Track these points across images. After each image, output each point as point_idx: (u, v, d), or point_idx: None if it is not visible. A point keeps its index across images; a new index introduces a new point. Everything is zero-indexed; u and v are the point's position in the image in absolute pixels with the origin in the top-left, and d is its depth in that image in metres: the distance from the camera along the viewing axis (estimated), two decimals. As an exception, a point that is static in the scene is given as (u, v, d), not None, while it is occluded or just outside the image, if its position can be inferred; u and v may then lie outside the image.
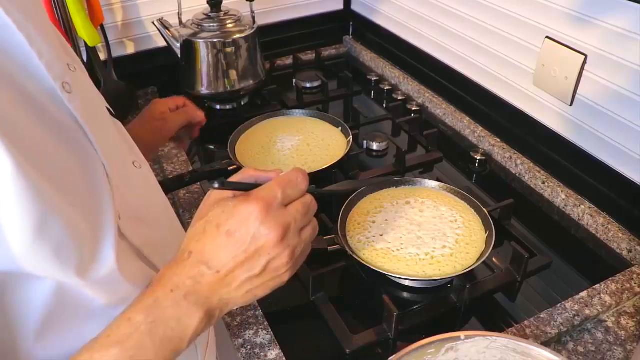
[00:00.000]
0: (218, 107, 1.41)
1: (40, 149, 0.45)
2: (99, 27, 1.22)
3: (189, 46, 1.31)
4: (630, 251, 0.92)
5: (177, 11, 1.33)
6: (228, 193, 0.55)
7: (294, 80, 1.50)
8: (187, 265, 0.53)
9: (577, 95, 0.98)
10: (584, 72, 0.96)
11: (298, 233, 0.56)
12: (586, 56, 0.94)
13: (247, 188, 0.55)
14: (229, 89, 1.34)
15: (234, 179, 0.58)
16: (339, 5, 1.70)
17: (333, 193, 0.86)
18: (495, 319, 0.84)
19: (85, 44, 1.19)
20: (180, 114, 1.04)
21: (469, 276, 0.86)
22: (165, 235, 0.65)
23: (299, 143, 1.15)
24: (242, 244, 0.52)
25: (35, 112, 0.46)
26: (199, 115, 1.08)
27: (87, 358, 0.48)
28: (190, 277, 0.52)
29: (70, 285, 0.49)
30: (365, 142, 1.24)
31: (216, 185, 0.53)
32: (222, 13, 1.32)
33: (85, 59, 1.22)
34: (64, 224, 0.45)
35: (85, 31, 1.16)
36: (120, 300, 0.53)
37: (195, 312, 0.52)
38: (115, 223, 0.52)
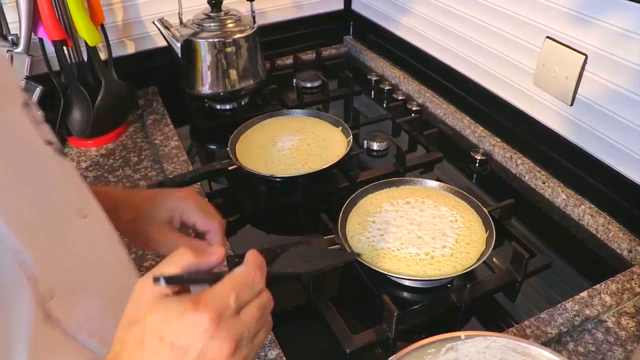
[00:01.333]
0: (218, 106, 1.41)
1: None
2: (99, 27, 1.22)
3: (189, 46, 1.31)
4: (630, 251, 0.92)
5: (178, 11, 1.33)
6: (167, 290, 0.47)
7: (294, 80, 1.50)
8: None
9: (577, 95, 0.98)
10: (585, 72, 0.96)
11: (251, 340, 0.50)
12: (586, 56, 0.94)
13: (193, 281, 0.49)
14: (229, 88, 1.34)
15: (169, 267, 0.49)
16: (340, 5, 1.70)
17: (290, 275, 0.70)
18: (495, 319, 0.84)
19: (86, 43, 1.19)
20: (188, 242, 0.74)
21: (469, 276, 0.86)
22: (115, 300, 0.53)
23: (299, 143, 1.15)
24: (188, 358, 0.45)
25: None
26: (211, 261, 0.55)
27: None
28: None
29: None
30: (365, 142, 1.24)
31: (161, 283, 0.46)
32: (222, 13, 1.32)
33: (85, 58, 1.23)
34: None
35: (85, 31, 1.16)
36: None
37: None
38: (34, 322, 0.45)
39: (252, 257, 0.52)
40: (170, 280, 0.46)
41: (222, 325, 0.46)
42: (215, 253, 0.51)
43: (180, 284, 0.47)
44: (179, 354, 0.45)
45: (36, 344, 0.45)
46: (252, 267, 0.51)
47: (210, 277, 0.50)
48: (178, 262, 0.49)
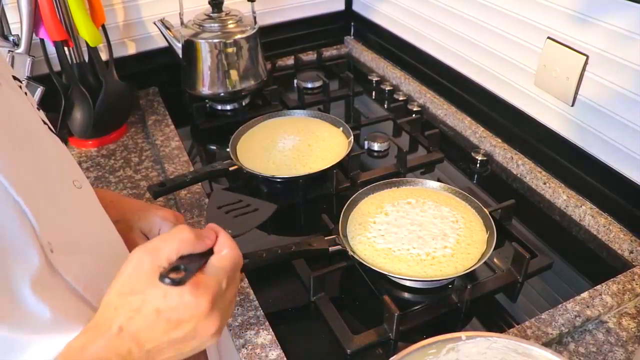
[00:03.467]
0: (219, 107, 1.41)
1: None
2: (100, 28, 1.22)
3: (190, 46, 1.31)
4: (631, 252, 0.92)
5: (179, 11, 1.33)
6: (167, 265, 0.52)
7: (295, 81, 1.50)
8: (116, 341, 0.50)
9: (578, 96, 0.98)
10: (586, 73, 0.96)
11: (229, 305, 0.56)
12: (588, 57, 0.94)
13: (188, 269, 0.52)
14: (230, 89, 1.34)
15: (170, 242, 0.53)
16: (340, 6, 1.70)
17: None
18: (496, 319, 0.84)
19: (87, 44, 1.19)
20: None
21: (470, 276, 0.86)
22: (105, 263, 0.59)
23: (300, 143, 1.15)
24: (182, 334, 0.52)
25: None
26: (206, 244, 0.59)
27: None
28: (118, 355, 0.50)
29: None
30: (366, 142, 1.24)
31: (174, 279, 0.50)
32: (223, 13, 1.32)
33: (86, 59, 1.23)
34: None
35: (86, 31, 1.16)
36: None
37: None
38: (40, 262, 0.49)
39: (230, 240, 0.57)
40: (174, 281, 0.50)
41: (216, 307, 0.52)
42: (210, 237, 0.56)
43: (177, 271, 0.51)
44: (172, 327, 0.51)
45: (40, 281, 0.48)
46: (236, 249, 0.57)
47: (201, 259, 0.55)
48: (178, 238, 0.53)
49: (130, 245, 0.71)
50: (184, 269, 0.51)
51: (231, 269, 0.55)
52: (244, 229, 0.78)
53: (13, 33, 1.14)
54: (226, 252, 0.56)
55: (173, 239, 0.53)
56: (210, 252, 0.56)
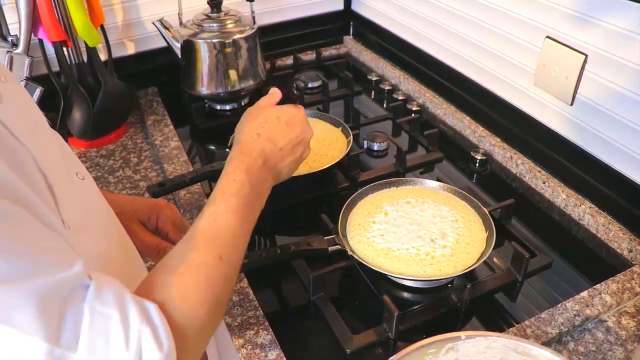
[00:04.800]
0: (218, 107, 1.41)
1: None
2: (99, 28, 1.22)
3: (189, 46, 1.31)
4: (630, 251, 0.92)
5: (178, 11, 1.33)
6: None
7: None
8: (260, 142, 0.72)
9: (577, 95, 0.98)
10: (585, 72, 0.96)
11: None
12: (587, 56, 0.94)
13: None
14: (229, 89, 1.34)
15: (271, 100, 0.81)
16: (339, 6, 1.70)
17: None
18: (495, 318, 0.84)
19: (86, 44, 1.19)
20: (158, 242, 0.80)
21: (469, 276, 0.86)
22: (110, 248, 0.63)
23: (300, 143, 1.15)
24: (295, 133, 0.76)
25: None
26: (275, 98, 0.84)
27: (213, 211, 0.61)
28: (263, 150, 0.72)
29: None
30: (365, 142, 1.24)
31: None
32: (222, 13, 1.32)
33: (85, 59, 1.23)
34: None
35: (85, 31, 1.16)
36: None
37: (269, 176, 0.72)
38: (64, 231, 0.50)
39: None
40: None
41: (305, 116, 0.80)
42: (276, 93, 0.83)
43: None
44: (290, 128, 0.76)
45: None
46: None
47: None
48: (274, 94, 0.82)
49: (132, 234, 0.74)
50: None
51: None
52: None
53: (12, 33, 1.14)
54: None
55: (264, 99, 0.81)
56: None
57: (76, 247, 0.52)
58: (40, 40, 1.17)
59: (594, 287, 0.85)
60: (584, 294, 0.84)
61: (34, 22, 1.12)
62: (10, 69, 1.11)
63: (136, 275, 0.66)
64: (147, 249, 0.77)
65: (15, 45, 1.13)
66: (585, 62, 0.95)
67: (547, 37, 1.01)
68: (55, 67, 1.20)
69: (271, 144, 0.73)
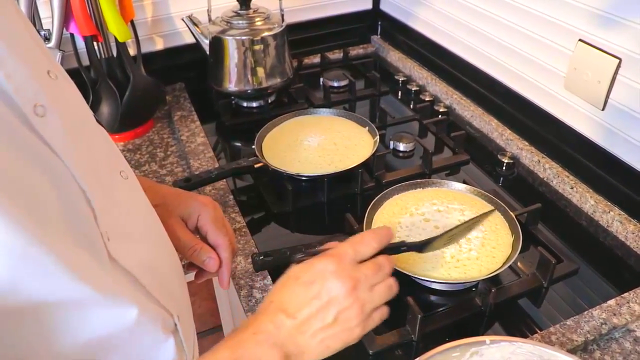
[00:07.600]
0: (245, 104, 1.41)
1: (11, 176, 0.42)
2: (129, 23, 1.23)
3: (217, 43, 1.31)
4: (660, 260, 0.91)
5: (207, 8, 1.34)
6: None
7: (321, 79, 1.50)
8: (269, 312, 0.59)
9: (609, 100, 0.97)
10: (618, 76, 0.94)
11: (369, 289, 0.62)
12: (620, 60, 0.93)
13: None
14: (256, 86, 1.34)
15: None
16: (368, 5, 1.69)
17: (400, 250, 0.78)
18: (519, 324, 0.83)
19: (116, 39, 1.20)
20: (197, 243, 0.75)
21: (494, 280, 0.85)
22: (154, 250, 0.62)
23: (326, 142, 1.15)
24: (317, 293, 0.58)
25: (5, 137, 0.42)
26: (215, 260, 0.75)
27: None
28: (271, 322, 0.57)
29: None
30: (392, 142, 1.23)
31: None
32: (251, 10, 1.32)
33: (115, 54, 1.24)
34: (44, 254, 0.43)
35: (115, 27, 1.17)
36: None
37: (274, 353, 0.56)
38: (102, 248, 0.50)
39: (376, 229, 0.72)
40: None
41: (343, 267, 0.60)
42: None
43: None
44: (310, 290, 0.59)
45: (103, 267, 0.50)
46: (369, 230, 0.68)
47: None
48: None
49: (169, 230, 0.71)
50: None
51: (357, 240, 0.65)
52: None
53: (44, 28, 1.16)
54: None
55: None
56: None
57: (117, 256, 0.52)
58: (72, 35, 1.19)
59: (622, 295, 0.84)
60: (612, 302, 0.82)
61: (66, 16, 1.14)
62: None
63: (173, 275, 0.65)
64: (182, 248, 0.73)
65: (47, 39, 1.15)
66: (619, 66, 0.93)
67: (580, 40, 0.99)
68: (85, 62, 1.22)
69: (283, 314, 0.58)
